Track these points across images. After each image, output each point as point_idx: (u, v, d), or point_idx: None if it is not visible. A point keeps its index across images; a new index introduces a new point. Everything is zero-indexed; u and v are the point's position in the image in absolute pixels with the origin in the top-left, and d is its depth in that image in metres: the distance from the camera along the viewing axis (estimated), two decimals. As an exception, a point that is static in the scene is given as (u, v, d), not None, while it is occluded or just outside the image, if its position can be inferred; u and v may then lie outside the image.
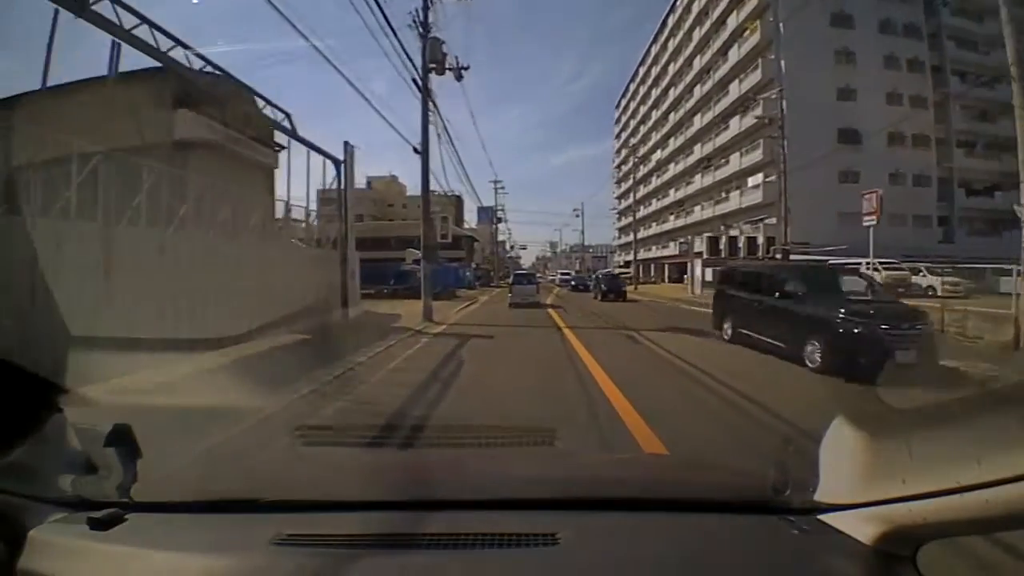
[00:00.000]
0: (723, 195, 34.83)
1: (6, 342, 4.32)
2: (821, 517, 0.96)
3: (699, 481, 1.37)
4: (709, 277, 23.26)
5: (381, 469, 1.61)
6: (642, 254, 49.04)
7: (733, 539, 0.98)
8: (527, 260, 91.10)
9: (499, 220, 54.19)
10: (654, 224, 49.16)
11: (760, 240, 25.22)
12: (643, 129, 53.81)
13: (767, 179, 29.16)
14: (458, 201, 56.63)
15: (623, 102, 64.84)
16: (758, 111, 28.72)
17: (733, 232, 29.67)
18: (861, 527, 0.88)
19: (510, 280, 24.12)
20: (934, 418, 1.05)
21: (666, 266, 45.92)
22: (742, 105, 31.26)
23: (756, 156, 30.00)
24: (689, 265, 26.94)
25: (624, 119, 64.24)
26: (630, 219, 61.90)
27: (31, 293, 4.90)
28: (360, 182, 58.04)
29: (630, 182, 61.61)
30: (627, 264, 60.93)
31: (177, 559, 0.93)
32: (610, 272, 30.34)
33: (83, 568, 0.93)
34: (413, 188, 54.49)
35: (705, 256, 25.03)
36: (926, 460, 0.82)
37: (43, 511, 1.03)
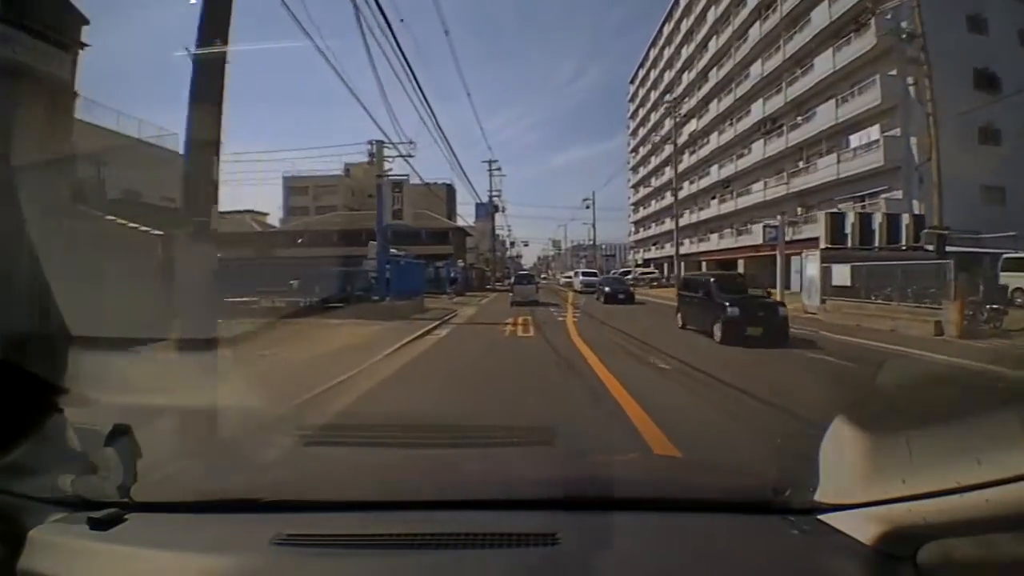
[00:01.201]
0: (801, 164, 25.52)
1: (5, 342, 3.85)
2: (821, 517, 0.94)
3: (699, 481, 1.33)
4: (839, 279, 14.07)
5: (381, 469, 1.57)
6: (668, 250, 39.92)
7: (733, 539, 0.96)
8: (528, 259, 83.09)
9: (496, 209, 44.92)
10: (686, 212, 39.49)
11: (906, 221, 15.97)
12: (669, 98, 44.39)
13: (887, 133, 19.97)
14: (449, 190, 47.91)
15: (640, 73, 55.40)
16: (870, 33, 19.58)
17: (838, 209, 20.36)
18: (861, 527, 0.87)
19: (511, 281, 24.85)
20: (934, 418, 1.01)
21: (704, 264, 36.55)
22: (844, 29, 21.93)
23: (868, 100, 20.58)
24: (778, 260, 17.65)
25: (642, 93, 54.79)
26: (650, 209, 53.05)
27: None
28: (336, 168, 49.04)
29: (650, 166, 52.75)
30: (647, 263, 51.70)
31: (177, 559, 0.92)
32: (734, 274, 20.17)
33: (83, 568, 0.92)
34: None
35: (824, 244, 15.72)
36: (926, 460, 0.82)
37: (43, 511, 1.03)
